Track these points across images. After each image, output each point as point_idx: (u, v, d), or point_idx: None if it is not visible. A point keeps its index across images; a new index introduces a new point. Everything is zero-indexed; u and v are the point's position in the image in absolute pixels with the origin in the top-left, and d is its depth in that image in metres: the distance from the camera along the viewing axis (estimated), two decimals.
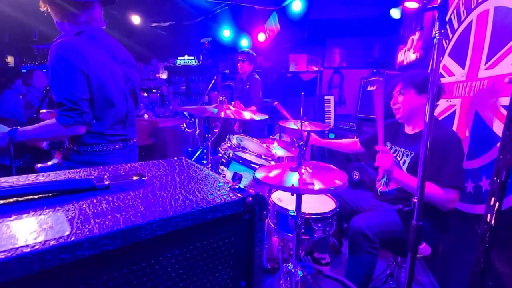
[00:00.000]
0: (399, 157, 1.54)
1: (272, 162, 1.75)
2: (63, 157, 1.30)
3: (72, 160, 1.25)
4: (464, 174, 1.35)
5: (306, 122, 2.14)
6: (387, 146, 1.66)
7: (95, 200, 0.51)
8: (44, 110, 1.65)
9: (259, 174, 1.20)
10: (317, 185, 1.10)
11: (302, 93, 1.62)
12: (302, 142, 1.29)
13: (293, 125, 2.16)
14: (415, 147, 1.47)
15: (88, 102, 1.17)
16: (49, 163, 1.74)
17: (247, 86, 3.20)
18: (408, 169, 1.46)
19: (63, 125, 1.12)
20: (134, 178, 0.60)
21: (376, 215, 1.47)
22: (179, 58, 5.82)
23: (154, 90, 5.95)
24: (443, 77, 1.94)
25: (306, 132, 1.77)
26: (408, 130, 1.59)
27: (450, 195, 1.29)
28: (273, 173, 1.23)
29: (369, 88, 3.03)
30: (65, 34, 1.20)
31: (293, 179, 1.16)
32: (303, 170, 1.22)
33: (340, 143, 2.10)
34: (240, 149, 1.84)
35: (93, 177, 0.58)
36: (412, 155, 1.46)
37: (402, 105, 1.53)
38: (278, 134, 3.67)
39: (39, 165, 1.70)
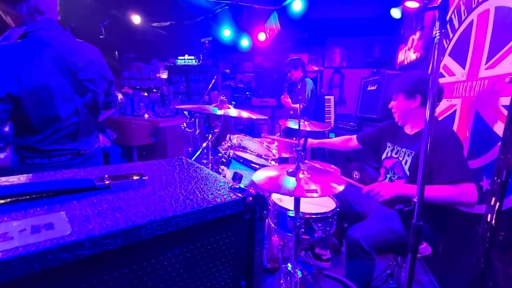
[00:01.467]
0: (401, 157, 1.54)
1: (272, 162, 1.75)
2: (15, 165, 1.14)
3: (16, 171, 1.09)
4: (468, 165, 1.32)
5: (306, 122, 2.15)
6: (389, 147, 1.66)
7: (95, 200, 0.51)
8: None
9: (257, 178, 1.20)
10: (315, 194, 1.10)
11: (300, 97, 1.64)
12: (300, 147, 1.29)
13: (292, 124, 2.16)
14: (415, 146, 1.47)
15: (3, 122, 1.01)
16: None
17: (299, 87, 3.39)
18: (410, 168, 1.46)
19: None
20: (135, 177, 0.60)
21: (373, 223, 1.47)
22: (179, 57, 5.81)
23: (154, 90, 5.95)
24: (443, 77, 1.94)
25: (303, 138, 1.78)
26: (408, 130, 1.60)
27: (460, 189, 1.24)
28: (270, 177, 1.23)
29: (369, 88, 3.02)
30: (5, 36, 1.01)
31: (291, 183, 1.15)
32: (301, 175, 1.21)
33: (335, 142, 2.11)
34: (241, 149, 1.84)
35: (93, 177, 0.58)
36: (413, 154, 1.47)
37: (396, 109, 1.59)
38: (279, 133, 3.68)
39: None
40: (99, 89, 1.26)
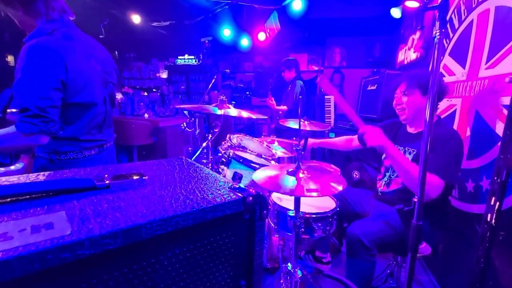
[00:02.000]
0: None
1: (273, 162, 1.75)
2: (34, 167, 1.19)
3: (44, 170, 1.10)
4: (456, 171, 1.31)
5: (306, 122, 2.15)
6: None
7: (95, 200, 0.51)
8: (13, 110, 1.48)
9: (257, 177, 1.20)
10: (315, 192, 1.10)
11: (300, 97, 1.63)
12: (300, 147, 1.29)
13: (292, 124, 2.16)
14: (417, 144, 1.46)
15: (59, 111, 1.06)
16: (12, 167, 1.58)
17: (289, 89, 3.48)
18: None
19: (23, 133, 0.98)
20: (135, 177, 0.60)
21: (373, 221, 1.46)
22: (179, 57, 5.82)
23: (154, 90, 5.95)
24: (444, 76, 1.94)
25: (304, 138, 1.77)
26: (411, 129, 1.58)
27: (433, 179, 1.22)
28: (270, 177, 1.23)
29: (369, 88, 3.02)
30: (36, 32, 1.07)
31: (291, 183, 1.15)
32: (301, 175, 1.21)
33: (335, 142, 2.10)
34: (240, 149, 1.84)
35: (93, 177, 0.58)
36: (415, 152, 1.46)
37: (407, 106, 1.50)
38: (273, 135, 3.69)
39: (2, 169, 1.53)
40: (114, 81, 1.35)
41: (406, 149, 1.52)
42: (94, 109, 1.19)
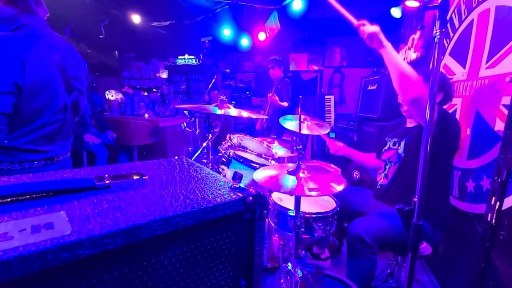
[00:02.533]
0: (396, 145, 1.59)
1: (273, 162, 1.75)
2: None
3: None
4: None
5: (308, 122, 2.14)
6: (388, 141, 1.68)
7: (95, 200, 0.51)
8: None
9: (257, 177, 1.20)
10: (315, 192, 1.10)
11: (300, 96, 1.63)
12: (300, 146, 1.29)
13: (292, 124, 2.15)
14: (413, 129, 1.51)
15: (7, 118, 0.94)
16: None
17: (279, 87, 3.55)
18: (404, 149, 1.51)
19: None
20: (135, 177, 0.60)
21: (375, 219, 1.46)
22: (179, 57, 5.81)
23: (154, 90, 5.95)
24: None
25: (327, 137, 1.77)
26: (410, 124, 1.62)
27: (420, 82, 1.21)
28: (270, 177, 1.23)
29: (369, 87, 3.02)
30: None
31: (291, 182, 1.16)
32: (301, 174, 1.21)
33: (362, 157, 1.93)
34: (241, 148, 1.84)
35: (93, 177, 0.58)
36: (409, 135, 1.51)
37: None
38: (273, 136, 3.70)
39: None
40: (83, 88, 1.22)
41: (402, 138, 1.56)
42: (46, 117, 1.05)
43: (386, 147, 1.68)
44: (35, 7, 1.05)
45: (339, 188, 1.13)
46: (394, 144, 1.62)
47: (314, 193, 1.10)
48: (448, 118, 1.37)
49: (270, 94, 3.44)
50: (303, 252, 1.78)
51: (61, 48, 1.10)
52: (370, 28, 1.28)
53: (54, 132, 1.10)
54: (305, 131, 1.70)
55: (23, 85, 0.95)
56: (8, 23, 0.98)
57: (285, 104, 3.43)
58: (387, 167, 1.62)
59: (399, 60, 1.23)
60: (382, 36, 1.26)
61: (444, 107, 1.54)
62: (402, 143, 1.54)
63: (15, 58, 0.93)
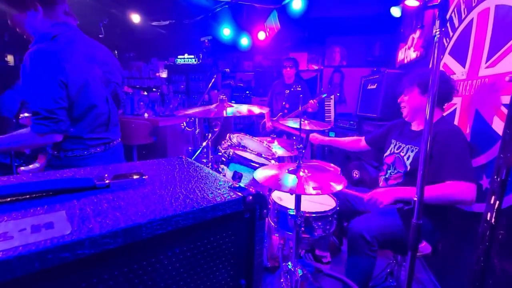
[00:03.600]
0: (403, 152, 1.55)
1: (272, 161, 1.75)
2: (47, 163, 1.28)
3: (54, 165, 1.23)
4: (471, 164, 1.32)
5: (306, 121, 2.15)
6: (392, 143, 1.66)
7: (95, 199, 0.51)
8: (26, 115, 1.62)
9: (258, 176, 1.20)
10: (316, 190, 1.10)
11: (301, 96, 1.64)
12: (301, 145, 1.29)
13: (292, 123, 2.16)
14: (419, 142, 1.47)
15: (66, 111, 1.14)
16: (31, 166, 1.73)
17: (298, 88, 3.25)
18: (411, 163, 1.47)
19: (38, 133, 1.10)
20: (135, 177, 0.60)
21: (375, 217, 1.47)
22: (179, 56, 5.80)
23: (154, 89, 5.94)
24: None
25: (305, 134, 1.78)
26: (415, 127, 1.61)
27: (459, 187, 1.25)
28: (271, 176, 1.23)
29: (369, 87, 3.02)
30: (39, 39, 1.14)
31: (292, 181, 1.16)
32: (301, 173, 1.22)
33: (343, 141, 2.09)
34: (240, 148, 1.84)
35: (93, 176, 0.58)
36: (417, 149, 1.48)
37: (407, 104, 1.57)
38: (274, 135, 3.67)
39: (22, 168, 1.68)
40: (118, 80, 1.39)
41: (409, 146, 1.53)
42: (96, 109, 1.23)
43: (390, 150, 1.66)
44: (65, 17, 1.22)
45: (339, 187, 1.13)
46: (397, 149, 1.60)
47: (314, 192, 1.10)
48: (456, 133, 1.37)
49: (313, 100, 2.96)
50: (304, 252, 1.78)
51: (93, 47, 1.28)
52: (386, 199, 1.35)
53: (106, 121, 1.29)
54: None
55: (67, 83, 1.12)
56: (47, 35, 1.14)
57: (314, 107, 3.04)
58: (389, 171, 1.61)
59: (433, 197, 1.27)
60: (399, 195, 1.34)
61: (444, 106, 1.54)
62: (410, 154, 1.50)
63: (58, 61, 1.09)
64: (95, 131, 1.26)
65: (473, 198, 1.25)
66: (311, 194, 1.15)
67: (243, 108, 1.61)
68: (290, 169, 1.26)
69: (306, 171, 1.24)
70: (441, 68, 1.96)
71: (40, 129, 1.09)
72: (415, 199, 0.93)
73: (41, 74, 1.08)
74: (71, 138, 1.20)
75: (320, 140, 2.09)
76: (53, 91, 1.09)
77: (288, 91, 3.28)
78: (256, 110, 1.61)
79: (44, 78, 1.08)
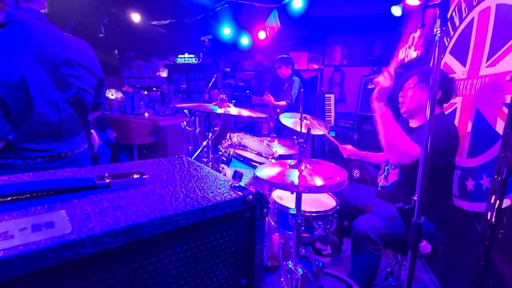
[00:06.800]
0: None
1: (273, 161, 1.75)
2: None
3: None
4: (439, 149, 1.31)
5: (308, 121, 2.14)
6: None
7: (96, 199, 0.51)
8: None
9: (259, 173, 1.20)
10: (317, 182, 1.10)
11: (302, 90, 1.63)
12: (302, 139, 1.29)
13: (292, 122, 2.15)
14: (414, 136, 1.48)
15: (2, 114, 0.97)
16: None
17: (286, 86, 3.48)
18: None
19: None
20: (135, 176, 0.60)
21: (379, 216, 1.46)
22: (179, 56, 5.80)
23: (154, 89, 5.94)
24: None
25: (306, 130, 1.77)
26: (413, 124, 1.60)
27: (411, 144, 1.30)
28: (273, 171, 1.24)
29: (369, 86, 3.02)
30: None
31: (293, 176, 1.16)
32: (303, 167, 1.22)
33: (375, 156, 1.95)
34: (241, 147, 1.84)
35: (93, 176, 0.58)
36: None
37: (410, 99, 1.52)
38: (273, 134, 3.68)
39: None
40: (86, 86, 1.20)
41: None
42: (36, 118, 1.04)
43: None
44: (25, 3, 1.03)
45: (342, 179, 1.13)
46: None
47: (319, 183, 1.10)
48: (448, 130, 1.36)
49: (265, 95, 3.40)
50: (303, 251, 1.78)
51: (51, 45, 1.06)
52: (386, 82, 1.37)
53: (54, 132, 1.10)
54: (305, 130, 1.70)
55: (7, 84, 0.95)
56: None
57: (282, 103, 3.34)
58: (386, 168, 1.61)
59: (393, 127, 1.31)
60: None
61: (445, 105, 1.54)
62: None
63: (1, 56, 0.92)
64: (34, 141, 1.06)
65: (408, 161, 1.30)
66: (315, 186, 1.13)
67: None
68: (291, 164, 1.27)
69: (307, 165, 1.25)
70: (442, 68, 1.96)
71: None
72: (415, 198, 0.93)
73: None
74: (4, 146, 1.02)
75: (350, 152, 1.94)
76: None
77: (285, 85, 3.50)
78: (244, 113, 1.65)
79: None
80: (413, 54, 2.77)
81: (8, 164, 1.04)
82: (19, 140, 1.03)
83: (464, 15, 1.81)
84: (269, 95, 3.39)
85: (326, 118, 4.15)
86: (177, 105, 2.45)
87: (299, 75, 3.44)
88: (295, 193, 1.29)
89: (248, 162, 1.68)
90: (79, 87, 1.16)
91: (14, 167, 1.05)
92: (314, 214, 1.39)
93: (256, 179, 1.20)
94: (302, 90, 1.58)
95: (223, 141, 1.96)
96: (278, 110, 3.39)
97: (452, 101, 1.82)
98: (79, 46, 1.18)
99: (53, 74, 1.06)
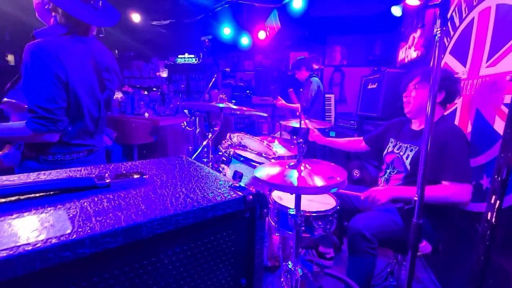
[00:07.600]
0: (402, 152, 1.54)
1: (273, 161, 1.75)
2: (19, 164, 1.18)
3: (28, 167, 1.13)
4: (469, 165, 1.32)
5: (306, 120, 2.15)
6: (391, 142, 1.65)
7: (96, 199, 0.51)
8: (6, 100, 1.41)
9: (258, 173, 1.20)
10: (317, 183, 1.10)
11: (301, 89, 1.63)
12: (301, 139, 1.29)
13: (294, 123, 2.16)
14: (419, 142, 1.47)
15: (65, 110, 1.10)
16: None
17: (301, 90, 3.41)
18: (411, 163, 1.46)
19: (34, 132, 1.03)
20: (135, 176, 0.60)
21: (375, 215, 1.47)
22: (179, 56, 5.80)
23: (154, 89, 5.93)
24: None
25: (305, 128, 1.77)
26: (415, 126, 1.59)
27: (457, 188, 1.27)
28: (272, 172, 1.23)
29: (370, 86, 3.02)
30: (48, 30, 1.10)
31: (292, 177, 1.16)
32: (302, 167, 1.22)
33: (342, 142, 2.06)
34: (241, 147, 1.84)
35: (94, 176, 0.58)
36: (416, 149, 1.47)
37: (414, 99, 1.52)
38: (279, 132, 3.67)
39: None
40: (114, 88, 1.37)
41: (408, 146, 1.52)
42: (87, 115, 1.20)
43: (388, 148, 1.65)
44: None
45: (341, 178, 1.13)
46: (397, 149, 1.59)
47: (318, 184, 1.10)
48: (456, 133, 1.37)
49: (276, 100, 3.32)
50: (306, 249, 1.78)
51: (98, 52, 1.24)
52: (383, 197, 1.37)
53: (93, 128, 1.25)
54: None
55: (69, 84, 1.09)
56: (59, 28, 1.12)
57: (296, 105, 3.21)
58: (388, 171, 1.61)
59: (430, 197, 1.27)
60: (396, 194, 1.37)
61: (447, 105, 1.53)
62: (409, 153, 1.49)
63: (57, 60, 1.05)
64: (82, 137, 1.21)
65: (468, 199, 1.27)
66: (315, 186, 1.13)
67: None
68: (291, 164, 1.27)
69: (307, 165, 1.25)
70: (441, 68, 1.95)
71: (36, 128, 1.03)
72: (415, 198, 0.93)
73: (41, 69, 1.02)
74: (57, 142, 1.13)
75: (319, 138, 2.03)
76: (53, 89, 1.04)
77: (301, 89, 3.44)
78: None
79: (44, 74, 1.02)
80: (413, 54, 2.77)
81: (57, 160, 1.15)
82: (72, 136, 1.17)
83: (464, 15, 1.81)
84: (281, 99, 3.31)
85: (326, 118, 4.15)
86: (179, 103, 2.45)
87: (309, 78, 3.36)
88: (294, 194, 1.29)
89: (248, 162, 1.68)
90: (111, 89, 1.34)
91: (64, 162, 1.17)
92: (314, 214, 1.39)
93: (256, 179, 1.20)
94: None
95: (223, 141, 1.96)
96: (297, 113, 3.28)
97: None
98: (109, 53, 1.35)
99: (98, 77, 1.24)
